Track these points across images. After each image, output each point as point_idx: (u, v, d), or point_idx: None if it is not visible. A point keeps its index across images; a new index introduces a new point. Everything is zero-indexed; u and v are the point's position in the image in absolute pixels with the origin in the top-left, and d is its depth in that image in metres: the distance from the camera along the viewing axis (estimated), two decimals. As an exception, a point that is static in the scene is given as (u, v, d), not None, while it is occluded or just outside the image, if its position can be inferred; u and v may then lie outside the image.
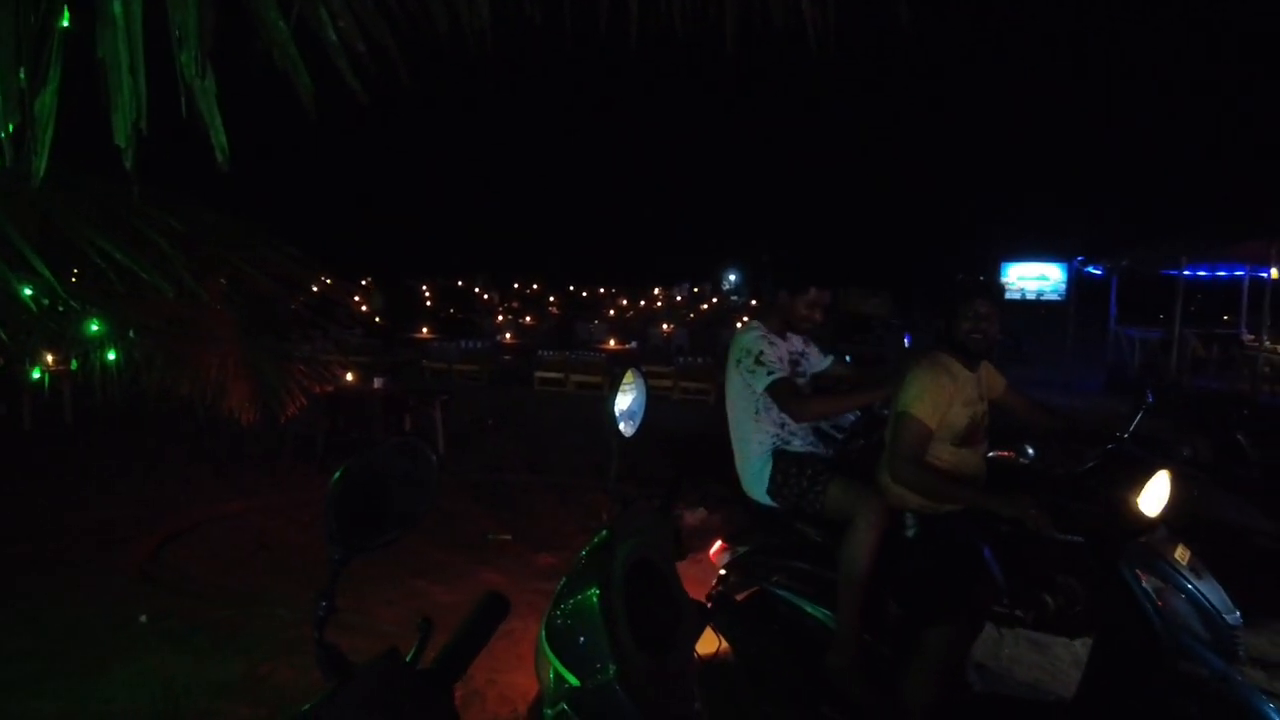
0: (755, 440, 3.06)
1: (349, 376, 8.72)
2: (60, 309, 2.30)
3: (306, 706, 1.04)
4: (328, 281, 3.53)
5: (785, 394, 2.93)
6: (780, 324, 3.17)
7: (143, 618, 4.03)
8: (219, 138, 1.35)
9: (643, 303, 36.28)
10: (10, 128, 1.30)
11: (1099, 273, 17.03)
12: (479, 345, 15.96)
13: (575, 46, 1.73)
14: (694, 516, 5.59)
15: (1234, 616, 2.39)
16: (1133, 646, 2.43)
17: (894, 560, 2.76)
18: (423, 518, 1.31)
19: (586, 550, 1.35)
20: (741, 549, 3.05)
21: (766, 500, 3.03)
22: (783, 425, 3.06)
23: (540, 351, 14.79)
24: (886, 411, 2.97)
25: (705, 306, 35.10)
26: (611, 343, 17.09)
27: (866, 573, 2.68)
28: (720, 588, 3.04)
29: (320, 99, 1.42)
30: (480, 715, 3.19)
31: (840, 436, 3.51)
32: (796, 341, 3.26)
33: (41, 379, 2.88)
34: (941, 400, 2.73)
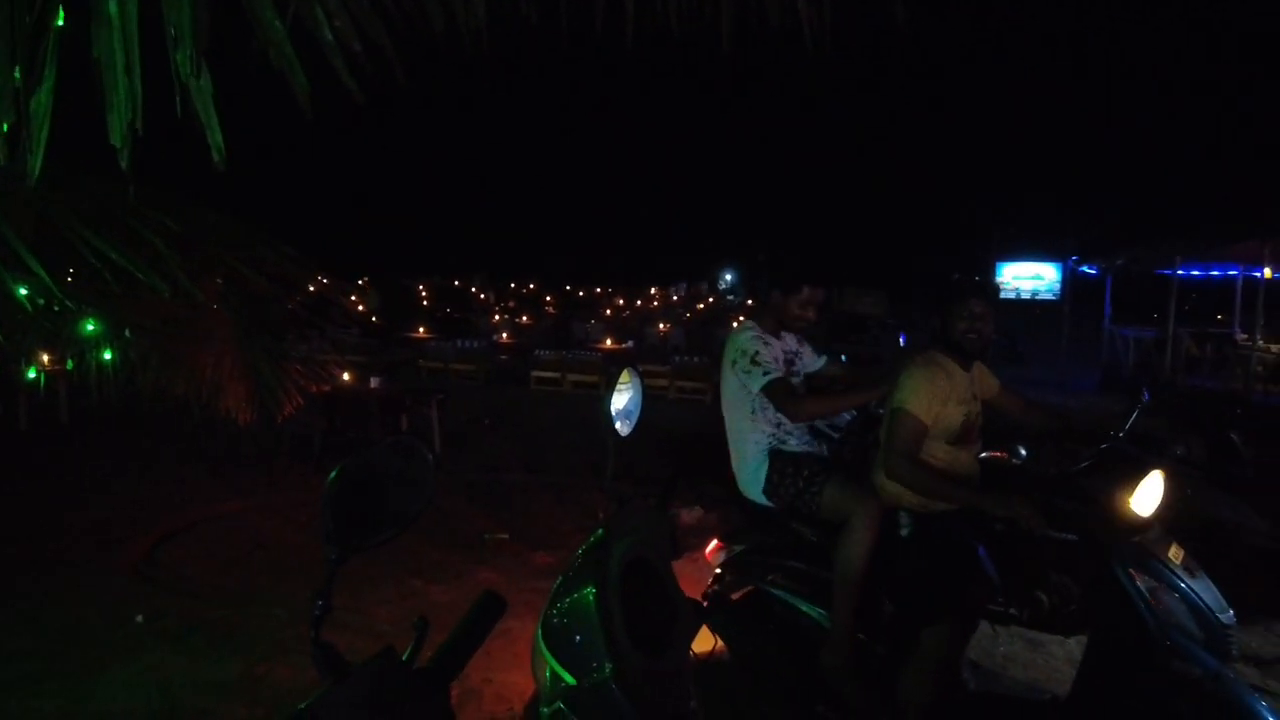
0: (751, 440, 3.06)
1: (345, 376, 8.70)
2: (56, 309, 2.30)
3: (303, 705, 1.04)
4: (324, 281, 3.53)
5: (781, 394, 2.94)
6: (775, 323, 3.17)
7: (139, 618, 4.03)
8: (215, 137, 1.35)
9: (639, 302, 36.26)
10: (5, 127, 1.30)
11: (1094, 272, 17.08)
12: (475, 345, 15.93)
13: (571, 46, 1.73)
14: (690, 515, 5.60)
15: (1227, 615, 2.40)
16: (1126, 646, 2.44)
17: (889, 560, 2.76)
18: (419, 517, 1.32)
19: (583, 549, 1.35)
20: (737, 548, 3.06)
21: (762, 500, 3.03)
22: (778, 425, 3.06)
23: (537, 351, 14.77)
24: (882, 410, 2.98)
25: (701, 306, 35.09)
26: (608, 342, 17.07)
27: (862, 573, 2.69)
28: (716, 587, 3.05)
29: (316, 99, 1.42)
30: (477, 714, 3.20)
31: (836, 435, 3.51)
32: (791, 341, 3.26)
33: (37, 379, 2.87)
34: (937, 397, 2.74)
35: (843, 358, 3.66)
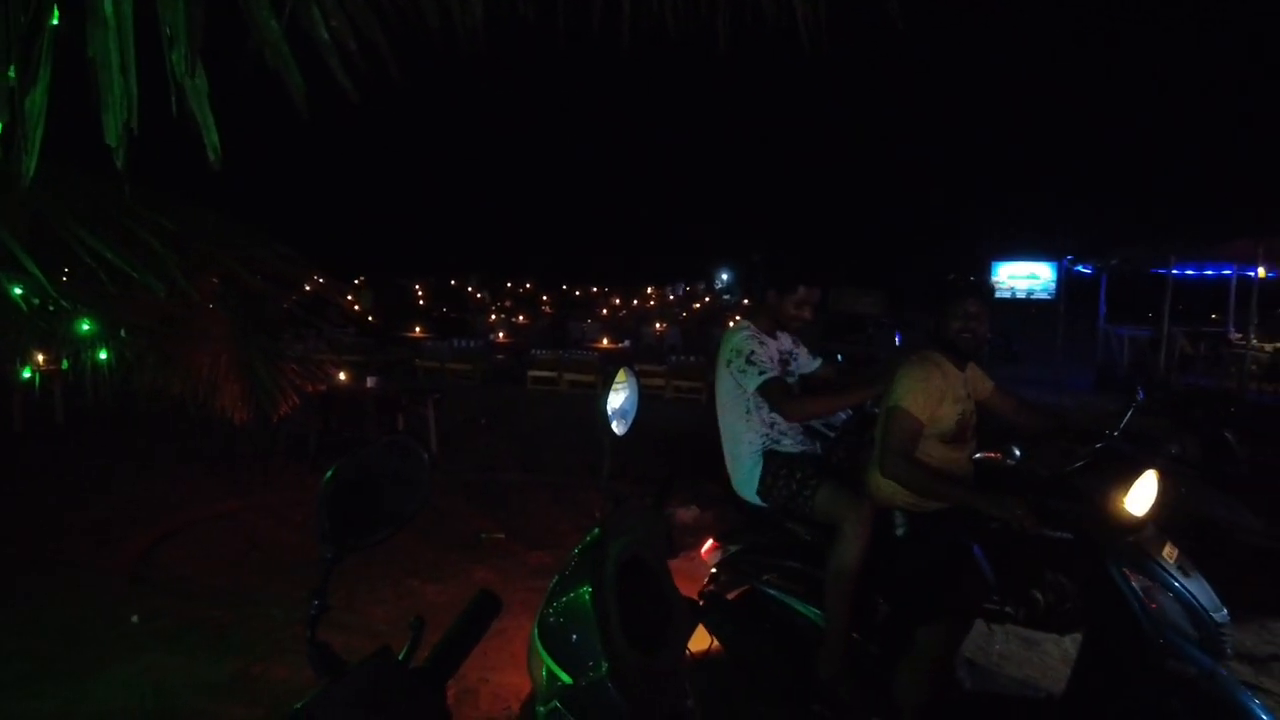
0: (746, 440, 3.06)
1: (342, 376, 8.69)
2: (51, 308, 2.29)
3: (299, 705, 1.04)
4: (320, 280, 3.52)
5: (777, 393, 2.94)
6: (770, 323, 3.18)
7: (135, 618, 4.02)
8: (210, 137, 1.35)
9: (635, 301, 36.25)
10: (0, 127, 1.30)
11: (1089, 271, 17.11)
12: (472, 344, 15.92)
13: (568, 45, 1.73)
14: (687, 514, 5.60)
15: (1221, 614, 2.40)
16: (1121, 645, 2.44)
17: (884, 560, 2.77)
18: (415, 517, 1.32)
19: (579, 549, 1.35)
20: (733, 548, 3.06)
21: (756, 500, 3.03)
22: (773, 425, 3.06)
23: (533, 350, 14.77)
24: (877, 409, 2.99)
25: (698, 305, 35.10)
26: (604, 341, 17.06)
27: (854, 578, 2.69)
28: (712, 586, 3.05)
29: (312, 98, 1.42)
30: (474, 713, 3.20)
31: (832, 434, 3.52)
32: (786, 341, 3.26)
33: (32, 379, 2.86)
34: (933, 396, 2.75)
35: (839, 357, 3.66)
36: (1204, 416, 8.99)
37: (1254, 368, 12.73)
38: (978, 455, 2.78)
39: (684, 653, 1.51)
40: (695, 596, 2.90)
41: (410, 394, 9.21)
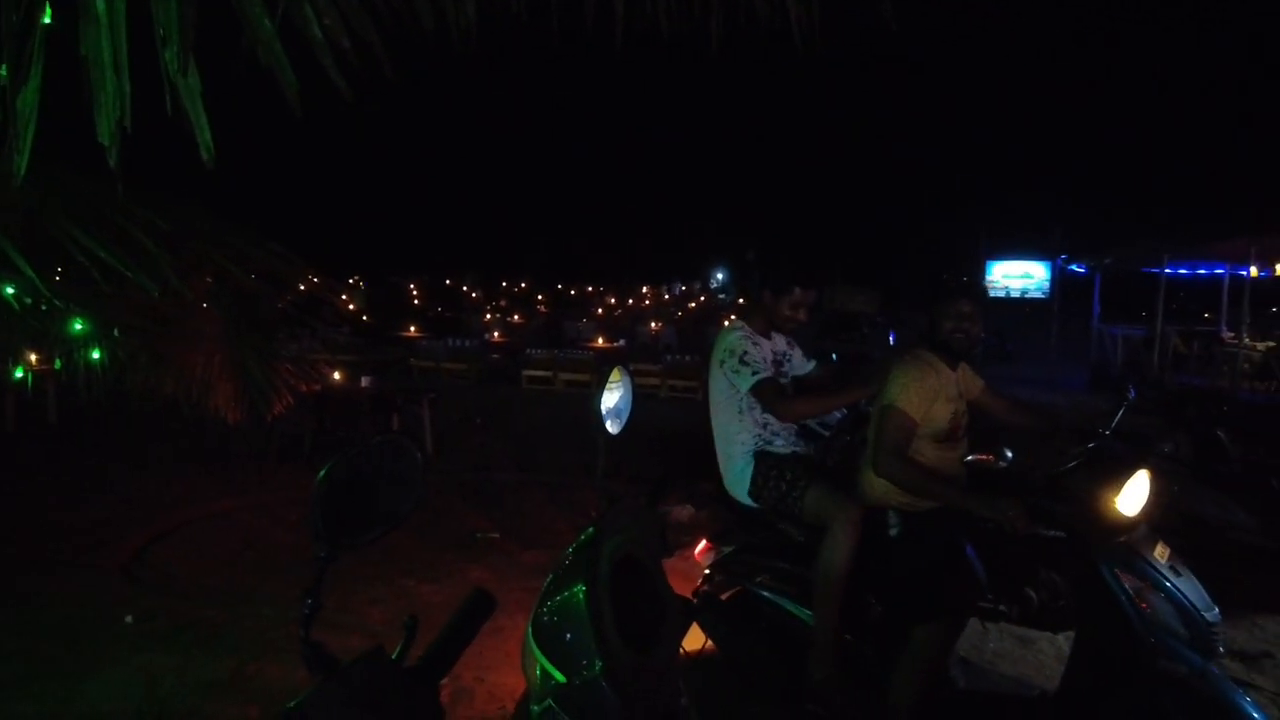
0: (738, 440, 3.06)
1: (336, 375, 8.69)
2: (43, 308, 2.29)
3: (292, 703, 1.04)
4: (314, 280, 3.52)
5: (770, 394, 2.94)
6: (764, 324, 3.17)
7: (129, 618, 4.01)
8: (204, 135, 1.35)
9: (631, 301, 36.25)
10: (-8, 125, 1.29)
11: (1083, 271, 17.18)
12: (467, 344, 15.92)
13: (562, 44, 1.73)
14: (682, 513, 5.60)
15: (1213, 613, 2.41)
16: (1112, 645, 2.45)
17: (878, 560, 2.77)
18: (409, 516, 1.32)
19: (573, 547, 1.35)
20: (726, 549, 3.06)
21: (748, 501, 3.03)
22: (765, 426, 3.06)
23: (528, 350, 14.78)
24: (871, 409, 2.99)
25: (693, 305, 35.13)
26: (600, 341, 17.07)
27: (843, 578, 2.69)
28: (705, 587, 3.05)
29: (305, 97, 1.41)
30: (469, 712, 3.20)
31: (827, 434, 3.52)
32: (780, 342, 3.26)
33: (25, 378, 2.85)
34: (926, 395, 2.75)
35: (834, 356, 3.66)
36: (1196, 415, 9.04)
37: (1246, 367, 12.80)
38: (968, 458, 2.78)
39: (678, 652, 1.51)
40: (689, 595, 2.90)
41: (405, 393, 9.21)
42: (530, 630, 1.23)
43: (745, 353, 2.97)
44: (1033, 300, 22.38)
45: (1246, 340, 12.98)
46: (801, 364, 3.34)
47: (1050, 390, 13.06)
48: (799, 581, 2.84)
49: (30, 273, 1.83)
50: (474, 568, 5.01)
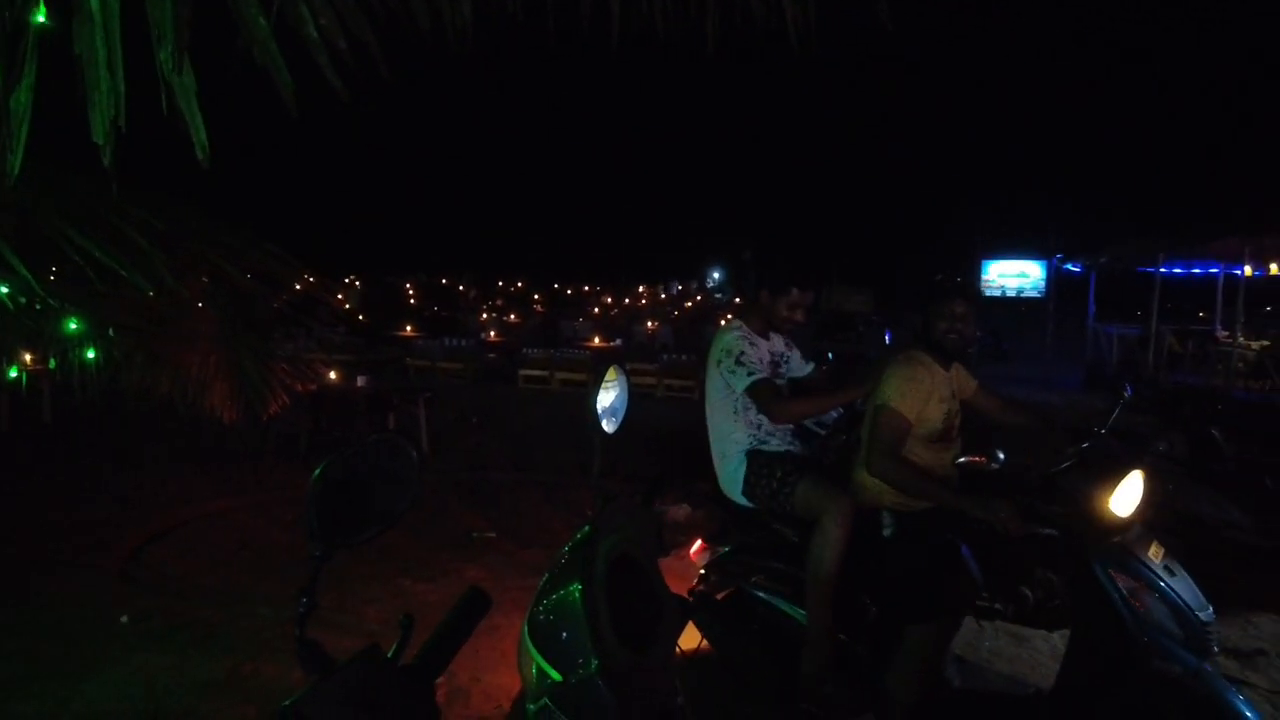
0: (732, 440, 3.06)
1: (332, 375, 8.67)
2: (38, 307, 2.28)
3: (287, 702, 1.04)
4: (310, 279, 3.52)
5: (765, 395, 2.93)
6: (762, 324, 3.17)
7: (124, 618, 4.00)
8: (199, 135, 1.35)
9: (627, 300, 36.25)
10: (-14, 124, 1.29)
11: (1078, 270, 17.22)
12: (463, 343, 15.90)
13: (558, 44, 1.73)
14: (678, 512, 5.61)
15: (1207, 613, 2.42)
16: (1106, 645, 2.46)
17: (872, 560, 2.77)
18: (404, 515, 1.32)
19: (569, 546, 1.35)
20: (721, 549, 3.07)
21: (743, 500, 3.03)
22: (760, 425, 3.06)
23: (525, 349, 14.77)
24: (865, 408, 2.99)
25: (690, 304, 35.14)
26: (596, 340, 17.07)
27: (834, 571, 2.69)
28: (701, 587, 3.06)
29: (301, 96, 1.41)
30: (465, 711, 3.20)
31: (823, 433, 3.53)
32: (778, 342, 3.25)
33: (19, 378, 2.85)
34: (920, 395, 2.75)
35: (830, 355, 3.66)
36: (1191, 414, 9.08)
37: (1240, 365, 12.83)
38: (961, 460, 2.79)
39: (674, 650, 1.51)
40: (685, 595, 2.90)
41: (401, 393, 9.19)
42: (526, 629, 1.23)
43: (742, 353, 2.97)
44: (1028, 299, 22.43)
45: (1241, 339, 13.01)
46: (800, 366, 3.33)
47: (1045, 389, 13.09)
48: (793, 582, 2.85)
49: (25, 272, 1.83)
50: (470, 567, 5.01)
